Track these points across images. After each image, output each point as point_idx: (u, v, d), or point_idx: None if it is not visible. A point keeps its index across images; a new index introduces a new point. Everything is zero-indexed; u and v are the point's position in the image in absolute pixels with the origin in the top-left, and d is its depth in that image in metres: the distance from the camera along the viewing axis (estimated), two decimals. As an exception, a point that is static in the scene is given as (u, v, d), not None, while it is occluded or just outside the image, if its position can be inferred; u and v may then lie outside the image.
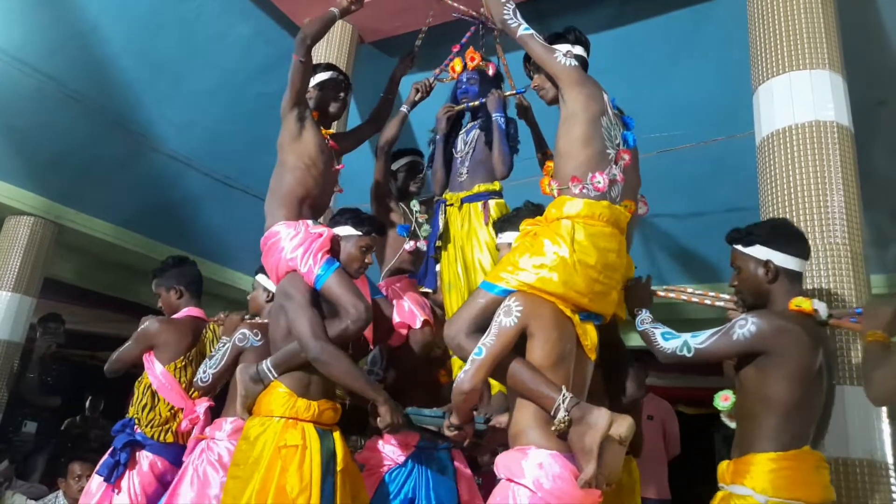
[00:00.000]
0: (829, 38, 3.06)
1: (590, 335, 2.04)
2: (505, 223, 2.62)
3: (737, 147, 4.25)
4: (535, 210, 2.44)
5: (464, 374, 1.96)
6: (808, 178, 2.85)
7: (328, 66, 2.90)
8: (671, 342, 2.07)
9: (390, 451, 2.83)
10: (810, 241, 2.73)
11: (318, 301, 2.40)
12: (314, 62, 2.71)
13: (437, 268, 3.01)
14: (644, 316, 2.23)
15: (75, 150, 5.57)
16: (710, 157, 4.74)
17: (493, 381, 2.56)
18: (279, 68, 2.68)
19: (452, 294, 2.88)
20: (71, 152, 5.59)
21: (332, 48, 4.61)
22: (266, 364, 2.39)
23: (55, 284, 6.76)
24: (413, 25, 3.44)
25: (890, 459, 2.57)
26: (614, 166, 2.14)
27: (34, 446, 5.60)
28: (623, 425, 1.80)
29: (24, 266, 5.96)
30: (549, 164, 2.39)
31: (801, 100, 2.97)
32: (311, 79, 2.78)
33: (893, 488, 2.55)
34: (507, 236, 2.50)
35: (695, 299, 2.39)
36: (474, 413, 2.30)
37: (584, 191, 2.08)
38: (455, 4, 3.16)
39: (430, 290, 3.03)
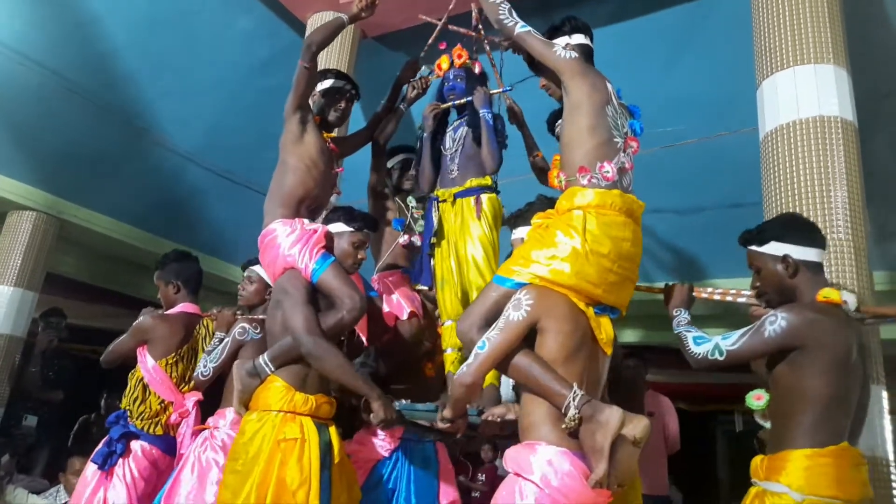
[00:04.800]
0: (834, 33, 3.05)
1: (605, 329, 1.99)
2: (518, 219, 2.61)
3: (739, 142, 4.24)
4: (548, 203, 2.42)
5: (466, 367, 1.95)
6: (812, 173, 2.84)
7: (337, 74, 2.92)
8: (702, 346, 2.02)
9: (377, 443, 2.87)
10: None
11: (315, 298, 2.43)
12: (323, 57, 2.71)
13: (433, 264, 3.02)
14: (681, 318, 2.18)
15: (77, 145, 5.57)
16: (712, 152, 4.72)
17: None
18: (281, 63, 2.69)
19: (445, 290, 2.88)
20: (73, 147, 5.59)
21: (334, 43, 4.58)
22: (263, 358, 2.41)
23: (57, 279, 6.77)
24: (416, 21, 3.42)
25: (891, 456, 2.57)
26: (622, 154, 2.10)
27: (35, 440, 5.62)
28: (639, 426, 1.75)
29: (26, 261, 5.99)
30: (557, 156, 2.37)
31: (805, 95, 2.96)
32: (320, 84, 2.82)
33: (894, 484, 2.55)
34: (521, 231, 2.49)
35: (716, 297, 2.36)
36: (467, 406, 2.29)
37: (594, 181, 2.05)
38: (458, 28, 3.13)
39: (425, 288, 3.03)
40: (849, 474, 1.87)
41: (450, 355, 2.80)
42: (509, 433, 2.60)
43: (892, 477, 2.56)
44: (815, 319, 1.92)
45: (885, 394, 2.66)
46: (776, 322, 1.92)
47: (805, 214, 2.79)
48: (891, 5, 3.94)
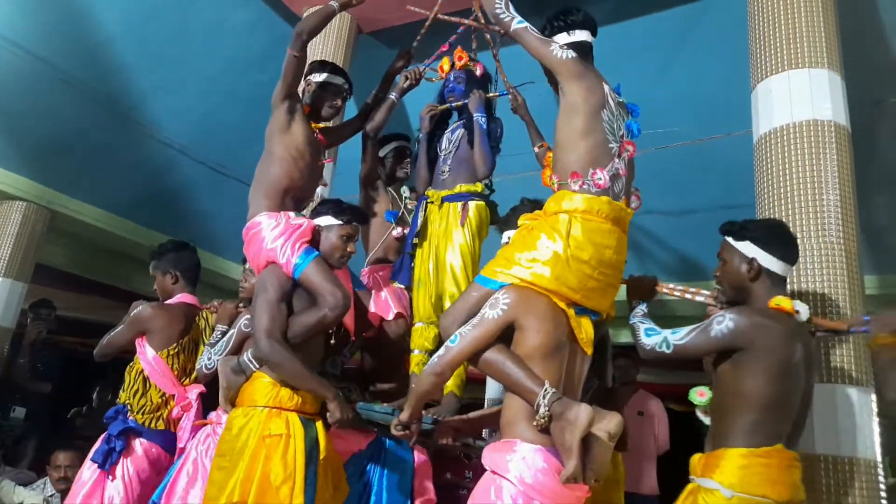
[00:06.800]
0: (829, 38, 3.06)
1: (585, 329, 2.02)
2: (505, 224, 2.63)
3: (733, 144, 4.25)
4: (533, 205, 2.43)
5: (437, 357, 1.98)
6: (805, 176, 2.85)
7: (336, 70, 2.90)
8: (652, 338, 2.08)
9: (355, 436, 2.86)
10: (805, 240, 2.75)
11: (291, 298, 2.41)
12: (318, 54, 2.70)
13: (413, 264, 3.01)
14: (637, 309, 2.24)
15: (69, 135, 5.53)
16: (706, 154, 4.74)
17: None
18: (276, 57, 2.66)
19: (420, 291, 2.87)
20: (65, 138, 5.55)
21: (329, 38, 4.57)
22: (247, 355, 2.41)
23: (47, 270, 6.72)
24: (411, 17, 3.41)
25: (878, 458, 2.59)
26: (617, 160, 2.10)
27: (23, 432, 5.58)
28: (612, 422, 1.79)
29: (15, 251, 5.93)
30: (549, 154, 2.37)
31: (799, 98, 2.97)
32: (317, 75, 2.80)
33: (881, 486, 2.56)
34: (509, 235, 2.50)
35: (676, 293, 2.42)
36: (423, 413, 2.31)
37: (585, 187, 2.05)
38: (455, 19, 3.13)
39: (402, 286, 3.01)
40: (781, 475, 1.92)
41: (416, 356, 2.81)
42: (461, 444, 2.63)
43: (880, 479, 2.58)
44: (760, 324, 1.98)
45: (873, 396, 2.67)
46: (723, 322, 1.97)
47: (797, 217, 2.81)
48: (884, 12, 3.96)
